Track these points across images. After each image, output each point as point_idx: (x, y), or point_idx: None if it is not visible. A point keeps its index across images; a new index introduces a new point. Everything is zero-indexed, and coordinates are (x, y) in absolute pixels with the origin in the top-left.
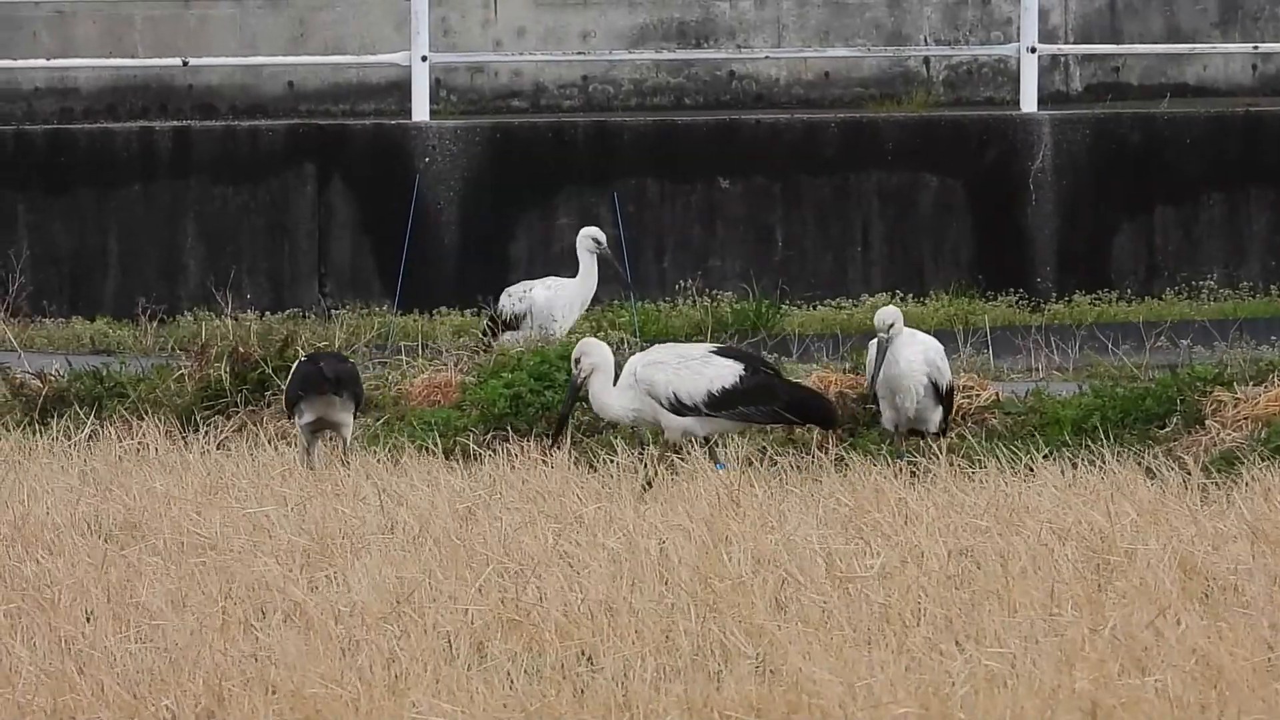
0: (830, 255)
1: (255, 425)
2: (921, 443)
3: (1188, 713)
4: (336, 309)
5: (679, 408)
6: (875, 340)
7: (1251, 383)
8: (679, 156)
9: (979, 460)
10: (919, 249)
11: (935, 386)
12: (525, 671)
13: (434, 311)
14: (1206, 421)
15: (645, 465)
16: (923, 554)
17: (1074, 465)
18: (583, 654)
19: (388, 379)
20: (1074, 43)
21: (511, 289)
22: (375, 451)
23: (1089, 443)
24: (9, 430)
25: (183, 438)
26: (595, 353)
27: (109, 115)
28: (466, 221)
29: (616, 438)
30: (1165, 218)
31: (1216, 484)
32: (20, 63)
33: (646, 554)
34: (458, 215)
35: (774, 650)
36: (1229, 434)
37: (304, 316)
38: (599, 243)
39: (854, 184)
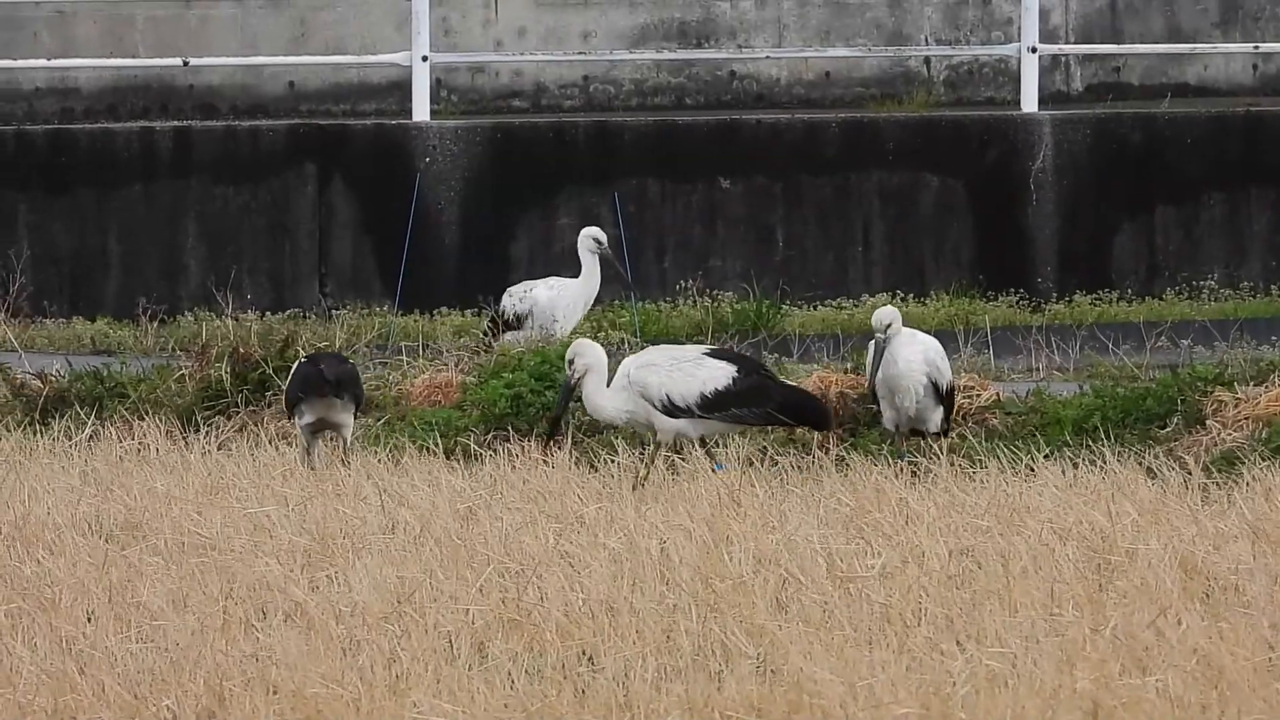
0: (831, 255)
1: (256, 425)
2: (922, 443)
3: (1189, 713)
4: (337, 309)
5: (672, 409)
6: (874, 340)
7: (1252, 383)
8: (680, 156)
9: (980, 460)
10: (920, 249)
11: (935, 386)
12: (526, 671)
13: (435, 312)
14: (1207, 421)
15: (645, 465)
16: (924, 554)
17: (1075, 465)
18: (584, 654)
19: (388, 379)
20: (1075, 43)
21: (513, 289)
22: (376, 451)
23: (1090, 443)
24: (10, 430)
25: (183, 438)
26: (589, 354)
27: (110, 115)
28: (467, 221)
29: (617, 438)
30: (1166, 218)
31: (1217, 484)
32: (21, 63)
33: (647, 554)
34: (458, 215)
35: (775, 650)
36: (1230, 434)
37: (304, 317)
38: (600, 243)
39: (855, 184)
